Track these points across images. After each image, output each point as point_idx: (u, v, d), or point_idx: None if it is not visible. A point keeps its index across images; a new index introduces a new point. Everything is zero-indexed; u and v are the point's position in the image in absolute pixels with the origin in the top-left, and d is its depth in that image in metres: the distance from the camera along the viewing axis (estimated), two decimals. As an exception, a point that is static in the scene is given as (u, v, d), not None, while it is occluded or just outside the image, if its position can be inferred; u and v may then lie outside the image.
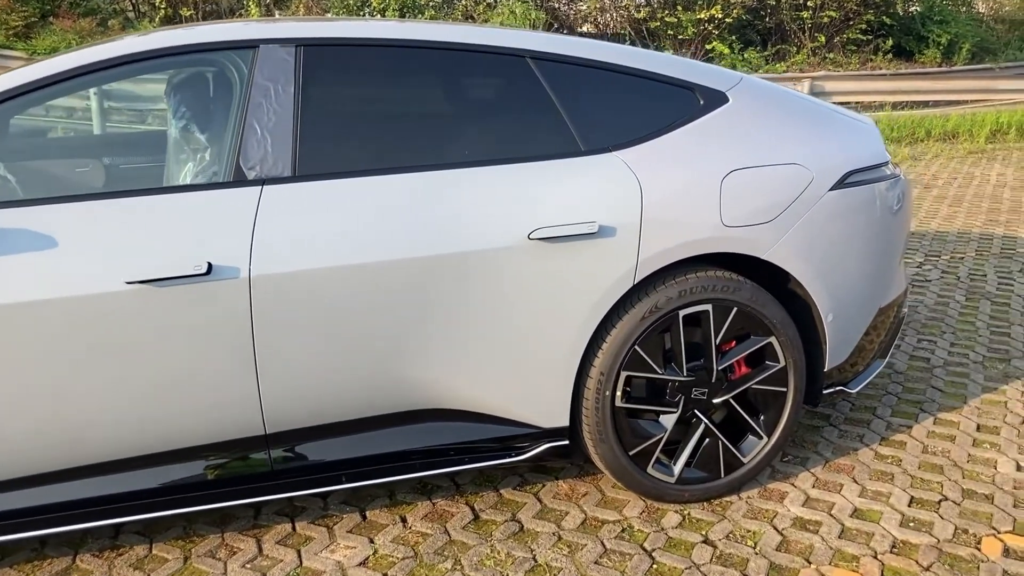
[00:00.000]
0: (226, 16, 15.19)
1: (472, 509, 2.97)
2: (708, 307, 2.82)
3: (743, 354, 2.92)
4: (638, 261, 2.71)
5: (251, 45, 2.59)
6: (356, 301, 2.54)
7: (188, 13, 14.74)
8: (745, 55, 16.72)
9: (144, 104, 2.82)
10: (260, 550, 2.77)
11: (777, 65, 16.54)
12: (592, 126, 2.81)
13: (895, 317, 3.32)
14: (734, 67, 16.27)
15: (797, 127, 3.00)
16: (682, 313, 2.81)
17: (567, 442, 2.85)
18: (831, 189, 2.92)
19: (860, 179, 2.99)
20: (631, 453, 2.87)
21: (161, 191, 2.47)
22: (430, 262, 2.58)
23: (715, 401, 2.92)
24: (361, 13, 15.20)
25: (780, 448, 3.03)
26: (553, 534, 2.82)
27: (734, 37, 16.97)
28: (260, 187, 2.50)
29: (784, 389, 2.97)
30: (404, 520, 2.92)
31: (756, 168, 2.84)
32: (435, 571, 2.65)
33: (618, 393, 2.80)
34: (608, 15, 17.72)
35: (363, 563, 2.69)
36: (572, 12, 16.80)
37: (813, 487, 3.09)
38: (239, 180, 2.50)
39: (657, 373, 2.83)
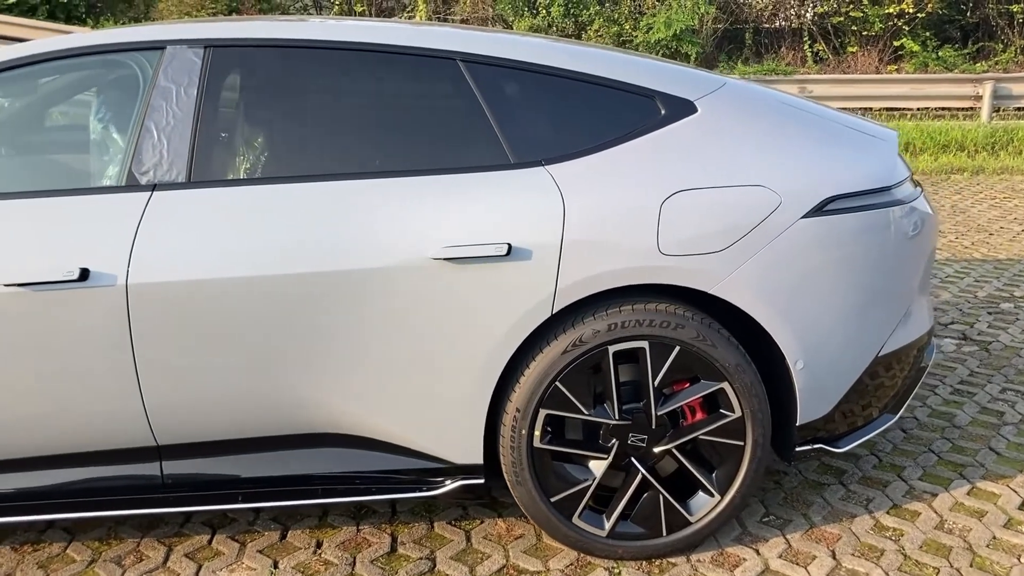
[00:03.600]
0: (398, 13, 15.56)
1: (393, 540, 2.80)
2: (644, 344, 2.50)
3: (689, 399, 2.56)
4: (556, 288, 2.43)
5: (158, 46, 2.53)
6: (242, 316, 2.41)
7: (361, 9, 15.24)
8: (940, 53, 15.36)
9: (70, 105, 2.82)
10: (165, 560, 2.71)
11: (977, 64, 15.07)
12: (526, 137, 2.54)
13: (909, 366, 2.83)
14: (926, 66, 14.99)
15: (773, 143, 2.59)
16: (612, 349, 2.49)
17: (483, 480, 2.61)
18: (804, 216, 2.51)
19: (847, 206, 2.55)
20: (554, 499, 2.60)
21: (50, 194, 2.44)
22: (324, 278, 2.42)
23: (656, 450, 2.58)
24: (528, 12, 15.14)
25: (737, 509, 2.65)
26: (460, 579, 2.60)
27: (929, 33, 15.62)
28: (150, 192, 2.43)
29: (740, 443, 2.59)
30: (319, 545, 2.78)
31: (708, 189, 2.48)
32: (314, 606, 2.50)
33: (536, 432, 2.53)
34: (791, 11, 16.78)
35: (252, 588, 2.58)
36: (748, 6, 15.99)
37: (779, 557, 2.69)
38: (131, 184, 2.44)
39: (583, 414, 2.54)
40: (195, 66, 2.51)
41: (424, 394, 2.51)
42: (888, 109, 13.58)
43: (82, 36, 2.54)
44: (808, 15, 16.43)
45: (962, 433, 3.45)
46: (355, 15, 15.16)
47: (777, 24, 16.87)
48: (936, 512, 2.91)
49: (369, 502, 2.89)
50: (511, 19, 15.20)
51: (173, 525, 2.89)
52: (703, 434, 2.58)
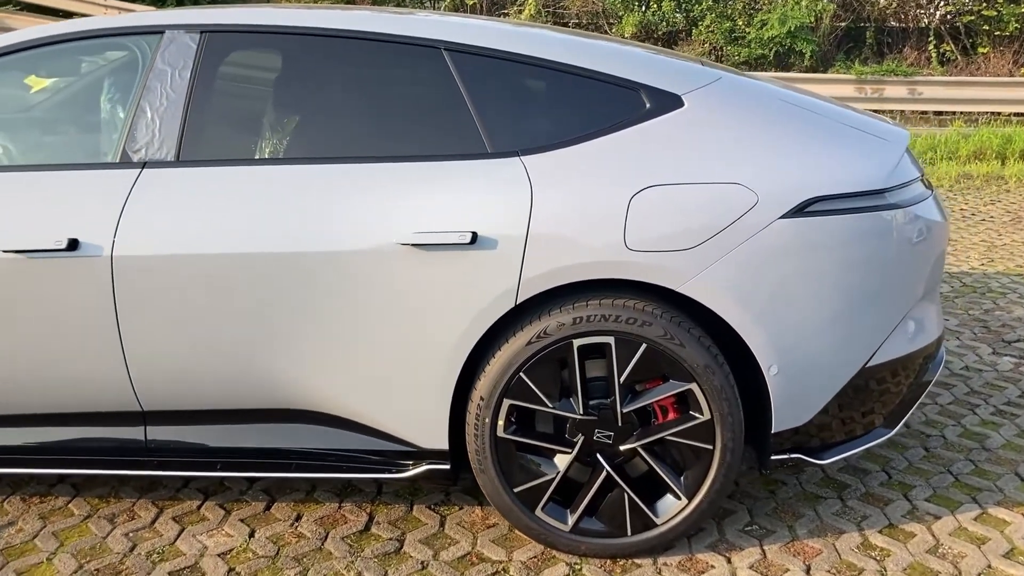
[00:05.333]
0: (509, 6, 15.64)
1: (370, 519, 2.85)
2: (610, 340, 2.46)
3: (657, 398, 2.52)
4: (520, 280, 2.43)
5: (158, 31, 2.65)
6: (218, 292, 2.51)
7: (472, 2, 15.38)
8: (1083, 55, 14.36)
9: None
10: (153, 521, 2.85)
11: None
12: (505, 127, 2.55)
13: (907, 379, 2.69)
14: (1066, 69, 14.06)
15: (758, 141, 2.51)
16: (577, 343, 2.47)
17: (448, 466, 2.63)
18: (783, 217, 2.42)
19: (831, 208, 2.45)
20: (517, 490, 2.59)
21: (50, 167, 2.60)
22: (299, 259, 2.49)
23: (622, 448, 2.55)
24: (638, 6, 14.97)
25: (705, 514, 2.59)
26: (421, 563, 2.63)
27: (1073, 33, 14.61)
28: (140, 169, 2.55)
29: (710, 446, 2.53)
30: (299, 518, 2.86)
31: (680, 186, 2.43)
32: (275, 576, 2.58)
33: (500, 422, 2.54)
34: (920, 11, 15.98)
35: (224, 554, 2.68)
36: (871, 4, 15.32)
37: (750, 567, 2.61)
38: (124, 161, 2.57)
39: (546, 406, 2.53)
40: (190, 50, 2.61)
41: (391, 377, 2.55)
42: (1018, 114, 12.85)
43: (90, 20, 2.69)
44: (937, 14, 15.64)
45: (990, 456, 3.26)
46: (467, 9, 15.32)
47: (902, 23, 16.11)
48: (933, 535, 2.76)
49: (338, 479, 2.96)
50: (621, 13, 15.06)
51: (170, 489, 3.03)
52: (671, 435, 2.53)
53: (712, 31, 14.66)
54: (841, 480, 3.08)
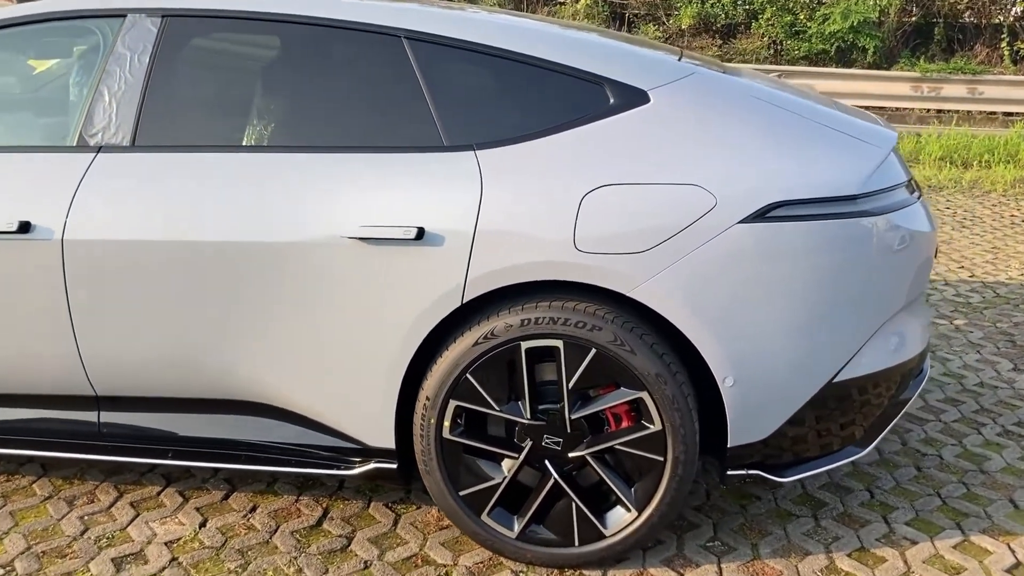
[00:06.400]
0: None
1: (324, 514, 2.81)
2: (559, 343, 2.37)
3: (607, 406, 2.42)
4: (467, 278, 2.35)
5: (120, 14, 2.63)
6: (166, 277, 2.48)
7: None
8: None
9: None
10: (111, 505, 2.85)
11: None
12: (462, 120, 2.47)
13: (881, 397, 2.54)
14: None
15: (722, 141, 2.39)
16: (525, 345, 2.39)
17: (395, 465, 2.57)
18: (742, 222, 2.30)
19: (795, 213, 2.31)
20: (463, 493, 2.52)
21: (5, 150, 2.61)
22: (248, 248, 2.44)
23: (571, 455, 2.46)
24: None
25: (656, 528, 2.48)
26: (364, 562, 2.58)
27: None
28: (95, 153, 2.54)
29: (661, 458, 2.42)
30: (254, 509, 2.84)
31: (635, 185, 2.32)
32: (214, 569, 2.55)
33: (446, 423, 2.47)
34: (994, 6, 15.38)
35: (171, 542, 2.66)
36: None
37: (702, 586, 2.50)
38: (80, 145, 2.56)
39: (493, 409, 2.45)
40: (150, 34, 2.59)
41: (337, 373, 2.50)
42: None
43: (54, 2, 2.68)
44: (1013, 10, 15.02)
45: (986, 479, 3.07)
46: (519, 2, 15.22)
47: (974, 19, 15.51)
48: (905, 562, 2.61)
49: (289, 473, 2.91)
50: (679, 4, 14.80)
51: (135, 473, 3.03)
52: (620, 444, 2.43)
53: (772, 25, 14.33)
54: (819, 498, 2.94)
